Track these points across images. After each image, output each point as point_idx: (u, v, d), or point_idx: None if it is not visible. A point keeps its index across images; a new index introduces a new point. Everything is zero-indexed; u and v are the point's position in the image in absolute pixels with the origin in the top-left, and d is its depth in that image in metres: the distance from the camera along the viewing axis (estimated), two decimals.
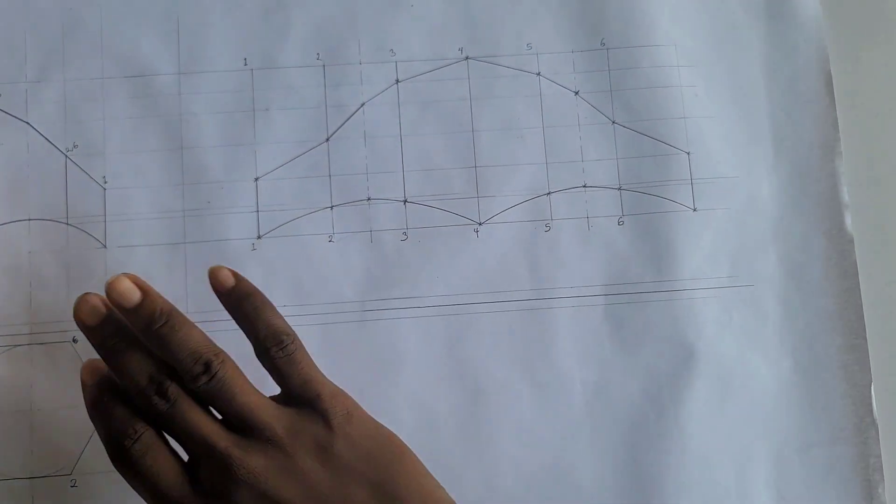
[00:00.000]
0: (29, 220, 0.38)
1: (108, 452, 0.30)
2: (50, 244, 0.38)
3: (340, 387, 0.37)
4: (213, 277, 0.33)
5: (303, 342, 0.37)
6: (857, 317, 0.39)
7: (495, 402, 0.38)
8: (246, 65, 0.39)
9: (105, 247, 0.38)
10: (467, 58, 0.40)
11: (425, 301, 0.38)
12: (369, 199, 0.39)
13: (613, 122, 0.40)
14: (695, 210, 0.39)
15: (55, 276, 0.37)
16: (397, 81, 0.39)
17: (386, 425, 0.37)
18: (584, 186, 0.39)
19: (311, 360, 0.33)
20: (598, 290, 0.39)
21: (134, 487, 0.30)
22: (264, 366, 0.32)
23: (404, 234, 0.38)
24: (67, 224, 0.38)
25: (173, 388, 0.30)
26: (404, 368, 0.38)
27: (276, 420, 0.30)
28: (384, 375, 0.37)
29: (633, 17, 0.40)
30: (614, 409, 0.38)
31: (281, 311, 0.37)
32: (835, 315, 0.39)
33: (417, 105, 0.39)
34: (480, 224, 0.39)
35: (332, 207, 0.38)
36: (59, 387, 0.37)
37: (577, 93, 0.40)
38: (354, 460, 0.30)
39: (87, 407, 0.32)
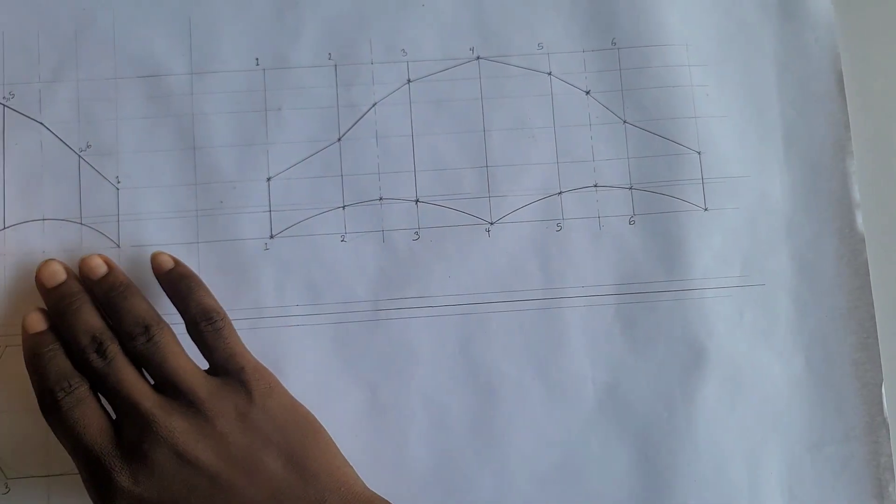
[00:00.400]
0: (43, 219, 0.38)
1: (38, 402, 0.32)
2: (64, 244, 0.38)
3: (352, 385, 0.37)
4: (154, 261, 0.36)
5: (316, 341, 0.38)
6: (868, 315, 0.39)
7: (507, 401, 0.38)
8: (258, 65, 0.39)
9: (118, 246, 0.38)
10: (479, 57, 0.40)
11: (437, 300, 0.38)
12: (381, 198, 0.39)
13: (624, 122, 0.40)
14: (706, 209, 0.39)
15: None
16: (409, 81, 0.40)
17: (399, 424, 0.38)
18: (596, 186, 0.39)
19: (238, 337, 0.35)
20: (610, 289, 0.39)
21: (59, 439, 0.32)
22: (194, 341, 0.34)
23: (416, 233, 0.39)
24: (81, 224, 0.38)
25: (112, 348, 0.32)
26: (417, 367, 0.38)
27: (201, 386, 0.32)
28: (397, 374, 0.38)
29: (645, 17, 0.40)
30: (626, 408, 0.38)
31: (294, 310, 0.37)
32: (846, 314, 0.39)
33: (429, 105, 0.39)
34: (492, 223, 0.39)
35: (344, 207, 0.39)
36: None
37: (588, 92, 0.40)
38: (270, 430, 0.32)
39: (24, 355, 0.33)
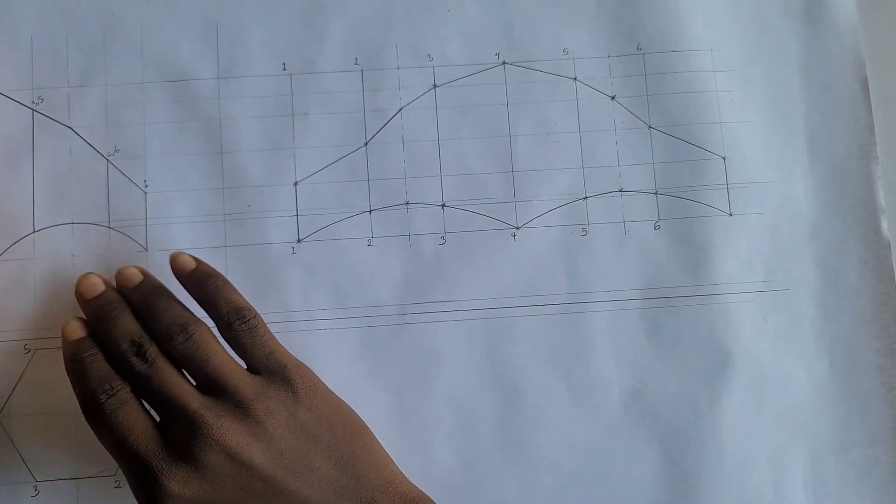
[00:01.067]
0: (72, 223, 0.38)
1: (81, 406, 0.32)
2: (92, 247, 0.38)
3: (379, 388, 0.37)
4: (174, 262, 0.35)
5: (342, 345, 0.38)
6: (893, 320, 0.39)
7: (533, 405, 0.38)
8: (285, 69, 0.39)
9: (146, 250, 0.38)
10: (504, 63, 0.40)
11: (463, 304, 0.38)
12: (408, 203, 0.39)
13: (650, 127, 0.40)
14: (731, 214, 0.39)
15: None
16: (435, 86, 0.40)
17: (425, 427, 0.38)
18: (621, 191, 0.39)
19: (273, 335, 0.34)
20: (635, 293, 0.39)
21: (104, 442, 0.32)
22: (228, 340, 0.34)
23: (442, 238, 0.39)
24: (109, 227, 0.38)
25: (152, 350, 0.32)
26: (443, 371, 0.38)
27: (247, 385, 0.32)
28: (423, 378, 0.38)
29: (669, 23, 0.40)
30: (651, 412, 0.38)
31: (321, 314, 0.38)
32: (871, 318, 0.39)
33: (455, 110, 0.40)
34: (518, 228, 0.39)
35: (370, 211, 0.39)
36: None
37: (613, 97, 0.40)
38: (318, 430, 0.32)
39: (65, 360, 0.33)
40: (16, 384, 0.37)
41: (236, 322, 0.33)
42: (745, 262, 0.39)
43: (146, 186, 0.38)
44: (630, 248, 0.39)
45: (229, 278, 0.38)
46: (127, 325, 0.33)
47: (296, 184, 0.39)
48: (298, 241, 0.38)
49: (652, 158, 0.40)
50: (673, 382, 0.38)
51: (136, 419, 0.31)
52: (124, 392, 0.32)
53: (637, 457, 0.38)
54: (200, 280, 0.35)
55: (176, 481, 0.30)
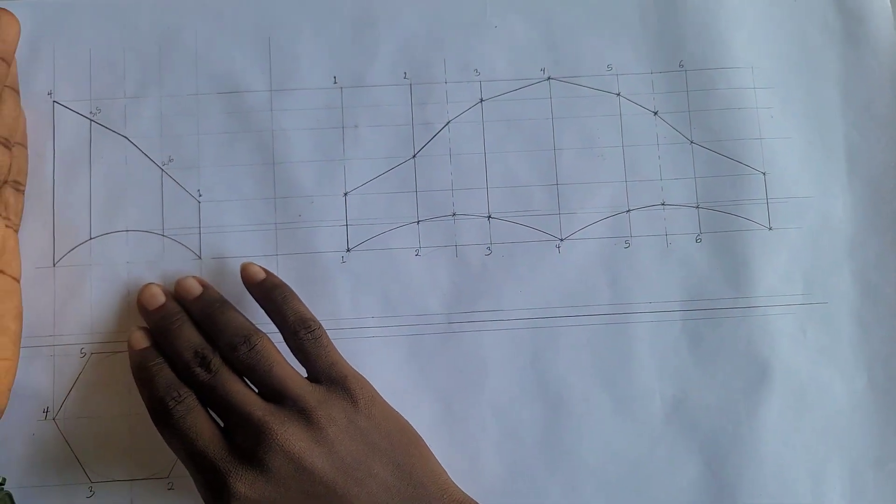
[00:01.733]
0: (127, 231, 0.39)
1: (151, 412, 0.33)
2: (146, 255, 0.39)
3: (426, 396, 0.38)
4: (245, 271, 0.37)
5: (391, 353, 0.39)
6: None
7: (576, 414, 0.39)
8: (335, 83, 0.40)
9: (199, 258, 0.39)
10: (549, 78, 0.41)
11: (508, 314, 0.39)
12: (454, 214, 0.40)
13: (692, 142, 0.41)
14: (770, 229, 0.40)
15: None
16: (481, 100, 0.41)
17: (471, 434, 0.39)
18: (663, 205, 0.40)
19: (334, 346, 0.35)
20: (676, 305, 0.39)
21: (173, 446, 0.33)
22: (292, 348, 0.35)
23: (488, 248, 0.40)
24: (163, 235, 0.39)
25: (216, 360, 0.34)
26: (488, 379, 0.39)
27: (309, 393, 0.33)
28: (469, 386, 0.39)
29: (711, 40, 0.41)
30: (692, 422, 0.39)
31: (369, 322, 0.39)
32: None
33: (501, 123, 0.40)
34: (562, 240, 0.40)
35: (418, 222, 0.40)
36: None
37: (656, 113, 0.41)
38: (377, 437, 0.33)
39: (133, 369, 0.35)
40: (72, 387, 0.38)
41: (302, 331, 0.34)
42: (784, 276, 0.40)
43: (200, 195, 0.39)
44: (672, 260, 0.40)
45: None
46: (189, 337, 0.34)
47: (345, 194, 0.40)
48: (348, 250, 0.39)
49: (694, 173, 0.40)
50: (713, 393, 0.39)
51: (203, 425, 0.32)
52: (191, 399, 0.33)
53: (678, 466, 0.38)
54: (269, 290, 0.36)
55: (243, 483, 0.31)
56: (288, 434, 0.31)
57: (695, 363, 0.39)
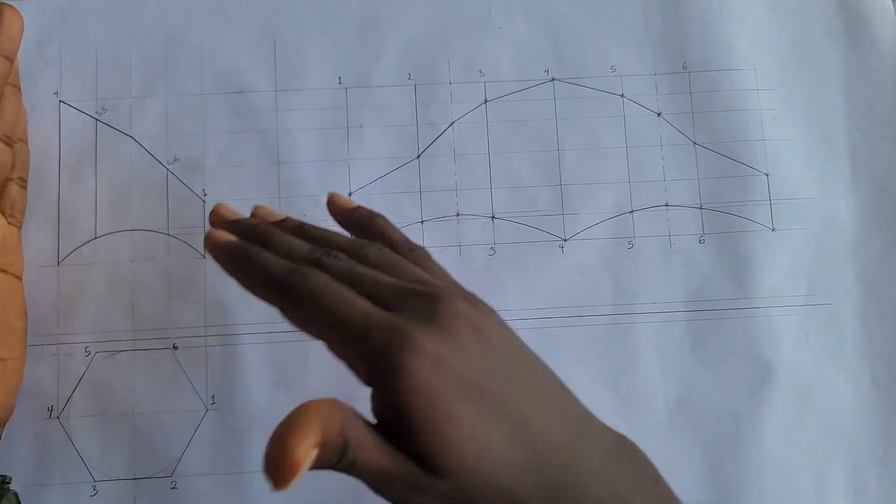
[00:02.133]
0: (132, 230, 0.39)
1: (276, 291, 0.28)
2: (151, 254, 0.39)
3: None
4: (334, 201, 0.34)
5: None
6: None
7: None
8: (340, 83, 0.41)
9: (204, 257, 0.39)
10: (553, 79, 0.41)
11: (512, 314, 0.39)
12: (458, 214, 0.40)
13: (695, 144, 0.41)
14: (773, 230, 0.40)
15: (156, 284, 0.39)
16: (486, 101, 0.41)
17: None
18: (667, 205, 0.40)
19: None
20: (680, 306, 0.40)
21: (320, 323, 0.27)
22: None
23: (492, 248, 0.40)
24: (168, 235, 0.39)
25: (342, 254, 0.29)
26: None
27: (459, 286, 0.30)
28: None
29: (714, 42, 0.41)
30: (695, 423, 0.39)
31: None
32: None
33: (505, 124, 0.41)
34: (566, 240, 0.40)
35: (422, 222, 0.40)
36: (160, 391, 0.38)
37: (659, 114, 0.41)
38: (503, 347, 0.28)
39: (229, 260, 0.30)
40: (76, 386, 0.38)
41: (417, 249, 0.31)
42: (787, 277, 0.40)
43: (205, 195, 0.40)
44: (675, 261, 0.40)
45: None
46: (296, 241, 0.30)
47: (350, 194, 0.40)
48: None
49: (697, 174, 0.40)
50: (717, 393, 0.39)
51: (350, 292, 0.27)
52: (318, 272, 0.27)
53: (681, 466, 0.38)
54: (366, 217, 0.33)
55: (429, 338, 0.25)
56: (461, 305, 0.26)
57: (698, 363, 0.39)
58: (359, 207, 0.33)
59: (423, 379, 0.24)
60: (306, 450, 0.23)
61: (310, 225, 0.32)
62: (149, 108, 0.40)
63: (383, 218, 0.33)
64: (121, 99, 0.40)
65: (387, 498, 0.25)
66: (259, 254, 0.29)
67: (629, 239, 0.40)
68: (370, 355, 0.25)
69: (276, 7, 0.41)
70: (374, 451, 0.24)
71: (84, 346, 0.38)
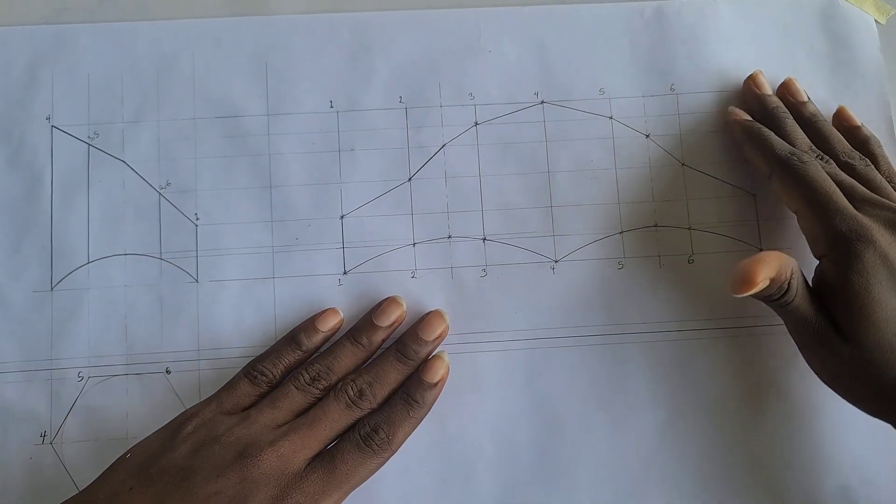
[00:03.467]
0: (125, 254, 0.39)
1: (778, 164, 0.37)
2: (144, 278, 0.39)
3: (424, 418, 0.38)
4: (842, 114, 0.41)
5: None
6: None
7: (572, 434, 0.39)
8: (332, 107, 0.41)
9: (197, 281, 0.39)
10: (543, 102, 0.42)
11: (504, 335, 0.39)
12: (450, 236, 0.40)
13: (683, 165, 0.41)
14: (761, 249, 0.41)
15: (149, 308, 0.39)
16: (476, 124, 0.41)
17: (467, 456, 0.39)
18: (656, 226, 0.41)
19: None
20: (670, 326, 0.40)
21: (801, 192, 0.35)
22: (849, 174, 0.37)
23: (484, 270, 0.40)
24: (161, 259, 0.39)
25: (832, 161, 0.38)
26: (484, 400, 0.39)
27: None
28: (465, 407, 0.39)
29: (701, 64, 0.42)
30: (685, 443, 0.39)
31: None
32: None
33: (496, 146, 0.41)
34: (556, 261, 0.40)
35: (414, 244, 0.40)
36: (153, 415, 0.38)
37: (647, 136, 0.41)
38: None
39: (748, 131, 0.39)
40: (69, 411, 0.38)
41: (890, 179, 0.38)
42: None
43: (197, 219, 0.40)
44: (665, 281, 0.40)
45: (277, 309, 0.39)
46: (798, 132, 0.39)
47: (342, 217, 0.40)
48: (345, 272, 0.40)
49: (686, 195, 0.41)
50: (707, 413, 0.39)
51: (832, 184, 0.35)
52: (813, 161, 0.36)
53: (672, 487, 0.39)
54: (865, 137, 0.40)
55: (883, 240, 0.33)
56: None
57: (688, 383, 0.40)
58: (861, 127, 0.40)
59: (867, 266, 0.32)
60: (763, 277, 0.32)
61: (838, 115, 0.41)
62: (141, 133, 0.40)
63: (878, 143, 0.40)
64: (113, 124, 0.40)
65: (797, 340, 0.35)
66: (768, 137, 0.38)
67: (619, 259, 0.40)
68: (834, 236, 0.34)
69: (268, 32, 0.41)
70: (805, 301, 0.34)
71: (77, 371, 0.38)
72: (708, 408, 0.39)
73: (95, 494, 0.32)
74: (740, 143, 0.39)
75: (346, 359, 0.37)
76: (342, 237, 0.40)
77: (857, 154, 0.38)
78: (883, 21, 0.44)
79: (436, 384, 0.36)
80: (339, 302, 0.39)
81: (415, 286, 0.40)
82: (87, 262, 0.39)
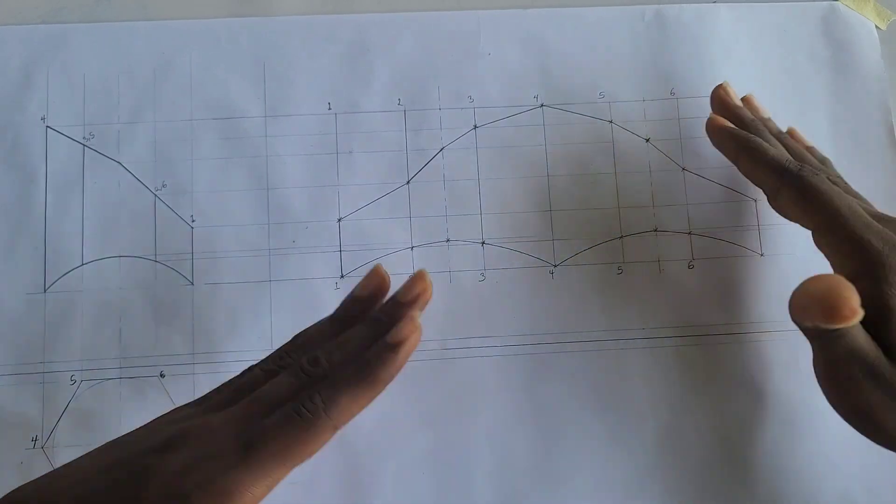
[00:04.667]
0: (119, 256, 0.39)
1: (783, 175, 0.34)
2: (139, 280, 0.39)
3: (418, 423, 0.38)
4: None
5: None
6: None
7: (570, 441, 0.38)
8: (330, 109, 0.41)
9: (192, 284, 0.39)
10: (542, 105, 0.41)
11: (502, 340, 0.39)
12: (448, 240, 0.40)
13: (683, 169, 0.41)
14: (762, 255, 0.40)
15: (143, 311, 0.38)
16: (475, 127, 0.41)
17: (464, 463, 0.38)
18: (656, 231, 0.40)
19: None
20: (669, 331, 0.40)
21: (817, 207, 0.33)
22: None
23: (482, 274, 0.40)
24: (156, 261, 0.39)
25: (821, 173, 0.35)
26: (482, 406, 0.38)
27: None
28: (463, 413, 0.38)
29: (702, 69, 0.42)
30: (685, 450, 0.39)
31: None
32: None
33: (494, 150, 0.41)
34: (555, 266, 0.40)
35: (412, 248, 0.40)
36: (147, 420, 0.37)
37: (647, 140, 0.41)
38: None
39: (736, 146, 0.36)
40: (61, 415, 0.37)
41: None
42: (776, 302, 0.40)
43: (193, 221, 0.39)
44: (665, 286, 0.40)
45: (273, 313, 0.39)
46: (778, 144, 0.37)
47: (339, 220, 0.40)
48: (342, 276, 0.39)
49: (686, 199, 0.41)
50: (706, 420, 0.39)
51: (847, 195, 0.33)
52: (819, 173, 0.34)
53: (672, 493, 0.38)
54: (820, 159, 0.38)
55: None
56: None
57: (688, 389, 0.39)
58: (813, 147, 0.39)
59: None
60: (858, 305, 0.28)
61: (789, 135, 0.39)
62: (137, 134, 0.40)
63: (832, 164, 0.38)
64: (109, 124, 0.40)
65: (834, 373, 0.31)
66: (770, 149, 0.35)
67: (619, 264, 0.40)
68: (864, 253, 0.31)
69: (266, 33, 0.41)
70: (858, 329, 0.29)
71: (70, 374, 0.38)
72: (708, 415, 0.39)
73: (61, 479, 0.29)
74: (732, 155, 0.37)
75: (318, 332, 0.32)
76: (340, 240, 0.39)
77: (831, 171, 0.36)
78: (883, 26, 0.43)
79: (397, 346, 0.29)
80: (335, 306, 0.39)
81: None
82: (80, 264, 0.39)
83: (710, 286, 0.40)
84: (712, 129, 0.38)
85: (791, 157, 0.35)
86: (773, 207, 0.36)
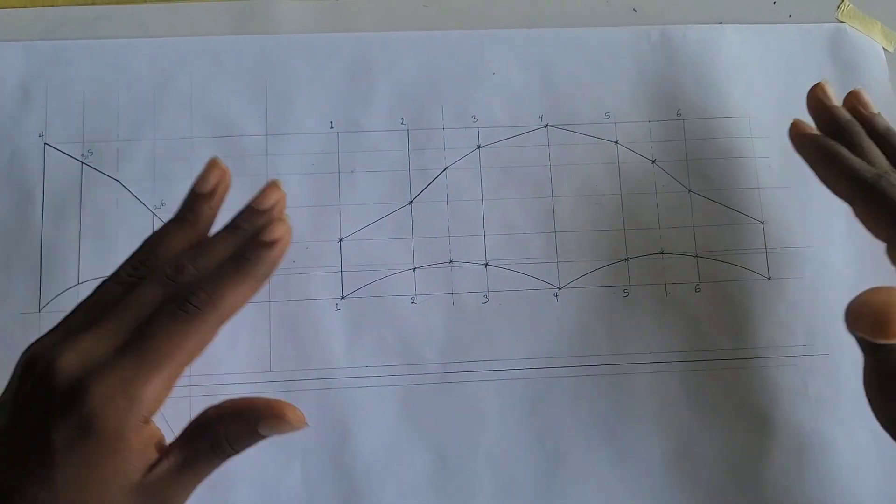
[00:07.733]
0: None
1: (861, 189, 0.33)
2: None
3: (420, 447, 0.37)
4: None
5: (385, 402, 0.37)
6: None
7: (575, 466, 0.38)
8: (332, 128, 0.40)
9: None
10: (547, 125, 0.41)
11: (505, 364, 0.38)
12: (451, 261, 0.39)
13: (690, 191, 0.40)
14: (769, 279, 0.40)
15: None
16: (479, 147, 0.40)
17: (466, 487, 0.37)
18: (662, 253, 0.40)
19: None
20: (676, 356, 0.39)
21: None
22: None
23: (485, 296, 0.39)
24: None
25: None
26: (484, 430, 0.38)
27: None
28: (464, 437, 0.38)
29: (708, 90, 0.41)
30: (693, 476, 0.38)
31: (364, 370, 0.38)
32: None
33: (499, 170, 0.40)
34: (560, 288, 0.39)
35: (414, 269, 0.39)
36: None
37: (654, 161, 0.41)
38: None
39: (817, 156, 0.35)
40: None
41: None
42: (784, 327, 0.39)
43: None
44: (671, 309, 0.39)
45: (273, 334, 0.38)
46: (874, 149, 0.35)
47: (341, 240, 0.39)
48: (343, 297, 0.39)
49: (692, 222, 0.40)
50: (714, 445, 0.38)
51: None
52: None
53: None
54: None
55: None
56: None
57: (695, 414, 0.38)
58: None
59: None
60: None
61: (890, 133, 0.36)
62: (136, 152, 0.39)
63: None
64: (108, 142, 0.39)
65: (889, 389, 0.30)
66: (848, 159, 0.34)
67: (624, 287, 0.39)
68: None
69: (268, 50, 0.41)
70: None
71: None
72: (716, 440, 0.38)
73: None
74: (811, 163, 0.36)
75: (171, 239, 0.32)
76: (340, 260, 0.39)
77: None
78: (891, 49, 0.43)
79: (272, 243, 0.30)
80: (336, 328, 0.38)
81: (414, 312, 0.39)
82: (77, 283, 0.38)
83: (717, 310, 0.39)
84: (792, 135, 0.37)
85: (869, 167, 0.33)
86: (858, 218, 0.35)
